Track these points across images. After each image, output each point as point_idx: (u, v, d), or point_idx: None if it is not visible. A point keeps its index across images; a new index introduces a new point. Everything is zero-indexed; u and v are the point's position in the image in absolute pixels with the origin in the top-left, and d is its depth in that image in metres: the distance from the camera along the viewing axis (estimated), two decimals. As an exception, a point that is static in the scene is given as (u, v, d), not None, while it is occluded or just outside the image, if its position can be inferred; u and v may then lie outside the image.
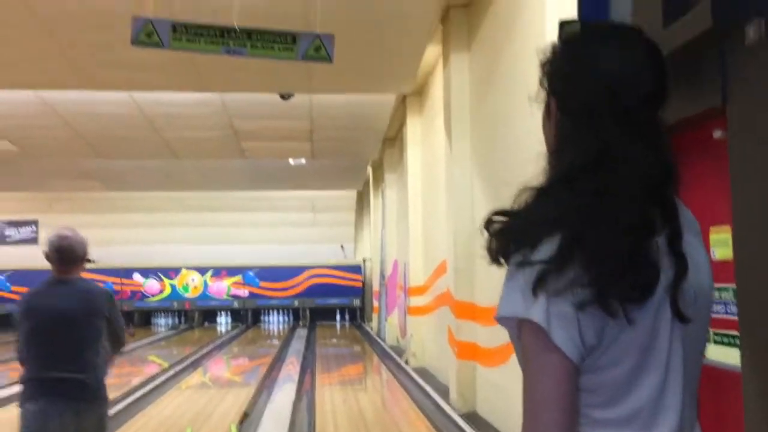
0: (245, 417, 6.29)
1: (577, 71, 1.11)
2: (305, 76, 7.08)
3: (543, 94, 1.16)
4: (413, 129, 9.87)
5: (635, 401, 1.02)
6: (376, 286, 16.67)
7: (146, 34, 3.27)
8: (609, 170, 1.03)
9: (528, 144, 4.73)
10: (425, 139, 9.50)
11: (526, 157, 4.35)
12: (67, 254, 3.15)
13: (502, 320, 1.07)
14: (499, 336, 5.58)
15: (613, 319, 0.99)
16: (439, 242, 8.20)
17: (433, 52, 7.66)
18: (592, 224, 1.01)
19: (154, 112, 9.60)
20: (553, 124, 1.15)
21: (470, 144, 6.56)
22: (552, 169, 1.10)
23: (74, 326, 3.08)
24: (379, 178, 14.94)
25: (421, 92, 9.49)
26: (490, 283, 6.01)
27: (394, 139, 12.31)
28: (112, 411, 7.08)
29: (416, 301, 10.11)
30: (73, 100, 9.03)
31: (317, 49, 3.30)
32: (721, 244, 2.01)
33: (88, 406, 3.07)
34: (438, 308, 8.58)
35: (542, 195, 1.08)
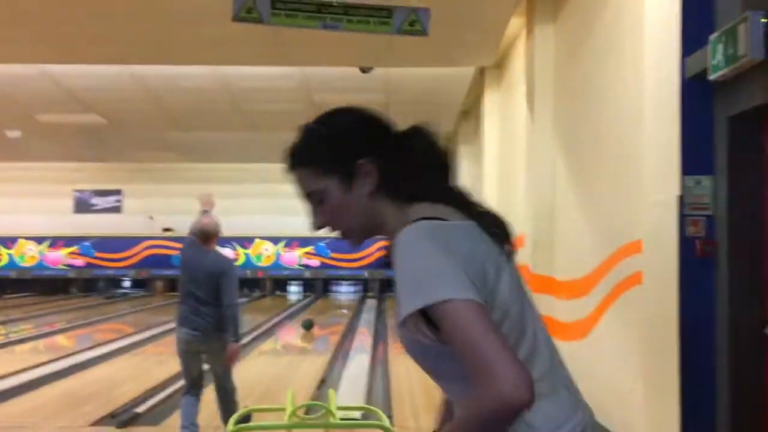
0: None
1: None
2: (387, 49, 7.13)
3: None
4: (491, 102, 9.81)
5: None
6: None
7: (246, 10, 3.39)
8: None
9: (613, 115, 4.68)
10: (503, 112, 9.43)
11: (612, 128, 4.35)
12: (204, 234, 4.52)
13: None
14: (577, 310, 5.58)
15: None
16: (516, 215, 8.18)
17: (514, 24, 7.58)
18: None
19: (236, 86, 9.83)
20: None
21: (553, 116, 6.51)
22: None
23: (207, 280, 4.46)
24: (452, 151, 14.91)
25: (499, 65, 9.42)
26: (569, 257, 5.99)
27: (469, 112, 12.25)
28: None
29: (490, 274, 10.12)
30: (160, 75, 9.33)
31: (412, 23, 3.35)
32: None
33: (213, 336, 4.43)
34: (513, 282, 8.59)
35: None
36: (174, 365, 7.77)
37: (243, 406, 5.94)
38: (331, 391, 3.45)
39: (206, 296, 4.44)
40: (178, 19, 6.66)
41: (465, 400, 1.24)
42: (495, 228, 1.30)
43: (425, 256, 1.19)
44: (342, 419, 3.08)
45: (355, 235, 1.36)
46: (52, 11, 6.51)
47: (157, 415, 5.53)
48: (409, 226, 1.23)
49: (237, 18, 3.42)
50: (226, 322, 4.43)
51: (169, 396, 6.15)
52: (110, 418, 5.29)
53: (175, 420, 5.44)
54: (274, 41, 7.06)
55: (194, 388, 4.67)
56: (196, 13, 6.46)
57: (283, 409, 3.04)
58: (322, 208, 1.34)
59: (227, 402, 4.74)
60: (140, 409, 5.62)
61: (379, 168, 1.31)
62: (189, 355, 4.56)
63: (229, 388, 4.73)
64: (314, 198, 1.34)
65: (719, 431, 3.04)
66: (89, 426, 5.12)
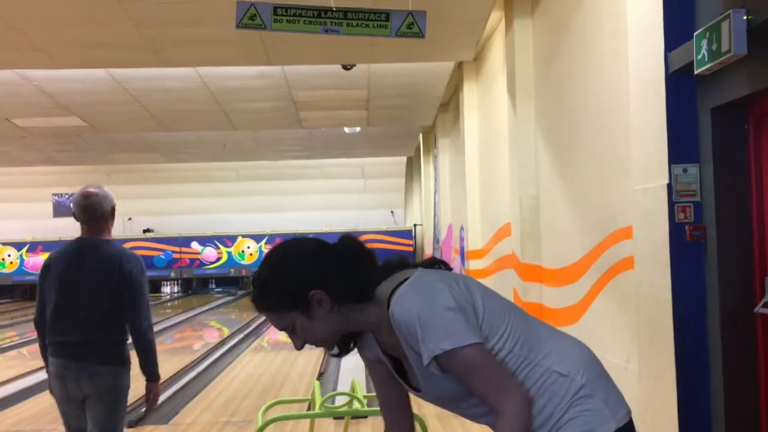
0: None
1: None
2: (369, 46, 7.25)
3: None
4: (470, 94, 9.98)
5: None
6: (428, 251, 16.90)
7: (249, 18, 3.50)
8: None
9: (596, 106, 4.86)
10: (482, 105, 9.60)
11: (593, 120, 4.57)
12: (90, 212, 3.10)
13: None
14: (566, 297, 5.78)
15: None
16: (499, 206, 8.36)
17: (491, 18, 7.74)
18: None
19: (218, 86, 9.88)
20: None
21: (535, 108, 6.69)
22: None
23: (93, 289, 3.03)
24: (430, 144, 15.07)
25: (477, 58, 9.58)
26: (557, 245, 6.18)
27: (447, 105, 12.41)
28: (193, 372, 7.52)
29: (475, 264, 10.31)
30: (142, 77, 9.35)
31: (410, 25, 3.49)
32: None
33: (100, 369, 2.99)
34: (499, 271, 8.78)
35: None
36: (171, 365, 7.88)
37: (248, 402, 6.08)
38: (355, 380, 3.58)
39: (98, 311, 3.04)
40: (160, 21, 6.71)
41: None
42: (438, 264, 1.61)
43: (431, 312, 1.44)
44: (370, 408, 3.20)
45: (330, 343, 1.59)
46: (35, 15, 6.53)
47: (164, 414, 5.63)
48: (395, 301, 1.47)
49: (240, 25, 3.52)
50: (122, 350, 3.06)
51: (174, 395, 6.26)
52: (117, 419, 5.38)
53: (182, 417, 5.56)
54: (257, 42, 7.14)
55: None
56: (181, 16, 6.52)
57: (307, 401, 3.17)
58: (296, 335, 1.56)
59: None
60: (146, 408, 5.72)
61: (327, 291, 1.51)
62: (67, 402, 3.08)
63: None
64: (287, 329, 1.56)
65: (714, 406, 3.24)
66: (98, 427, 5.20)
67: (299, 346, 1.57)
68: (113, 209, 3.21)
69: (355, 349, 1.66)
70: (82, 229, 3.16)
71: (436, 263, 1.62)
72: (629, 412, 1.55)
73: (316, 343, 1.57)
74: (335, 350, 1.63)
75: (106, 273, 3.03)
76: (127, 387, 3.11)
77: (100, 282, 3.03)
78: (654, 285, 3.50)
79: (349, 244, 1.58)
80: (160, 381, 3.21)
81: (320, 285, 1.51)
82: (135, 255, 3.17)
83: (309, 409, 4.28)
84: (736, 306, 3.15)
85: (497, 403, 1.42)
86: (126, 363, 3.08)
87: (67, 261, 3.10)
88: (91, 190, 3.19)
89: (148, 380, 3.16)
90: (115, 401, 3.04)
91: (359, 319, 1.54)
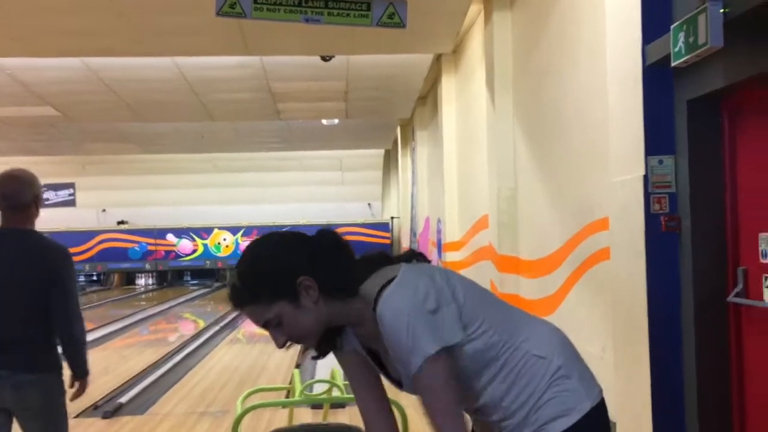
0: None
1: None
2: (348, 37, 7.24)
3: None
4: (448, 87, 10.00)
5: None
6: (405, 244, 16.94)
7: (230, 6, 3.48)
8: None
9: (574, 99, 4.91)
10: (460, 97, 9.64)
11: (571, 112, 4.62)
12: (11, 199, 2.72)
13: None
14: (542, 288, 5.83)
15: None
16: (477, 198, 8.41)
17: (470, 10, 7.76)
18: None
19: (195, 76, 9.80)
20: None
21: (513, 101, 6.73)
22: None
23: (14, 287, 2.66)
24: (408, 137, 15.08)
25: (455, 50, 9.61)
26: (534, 237, 6.24)
27: (425, 98, 12.43)
28: (169, 364, 7.48)
29: (452, 256, 10.36)
30: (117, 66, 9.24)
31: (391, 15, 3.49)
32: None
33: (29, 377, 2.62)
34: (476, 263, 8.83)
35: None
36: (146, 356, 7.84)
37: (225, 393, 6.07)
38: (334, 369, 3.60)
39: (19, 310, 2.67)
40: (138, 10, 6.65)
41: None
42: (418, 257, 1.64)
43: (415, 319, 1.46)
44: (349, 395, 3.22)
45: (314, 338, 1.57)
46: (10, 3, 6.44)
47: (140, 404, 5.61)
48: (383, 304, 1.49)
49: (220, 13, 3.50)
50: (51, 353, 2.72)
51: (149, 386, 6.22)
52: (93, 409, 5.34)
53: (159, 408, 5.54)
54: (236, 32, 7.10)
55: None
56: (158, 4, 6.46)
57: (286, 389, 3.18)
58: (281, 330, 1.53)
59: None
60: (123, 399, 5.69)
61: (315, 277, 1.52)
62: None
63: None
64: (271, 323, 1.53)
65: (687, 394, 3.30)
66: (74, 418, 5.17)
67: (281, 344, 1.55)
68: (37, 197, 2.80)
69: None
70: (2, 217, 2.76)
71: (414, 256, 1.64)
72: (601, 390, 1.61)
73: (300, 339, 1.56)
74: (314, 352, 1.63)
75: (28, 267, 2.66)
76: (63, 395, 2.74)
77: (22, 277, 2.65)
78: (629, 275, 3.55)
79: (326, 236, 1.60)
80: (90, 375, 2.86)
81: (307, 272, 1.52)
82: (61, 246, 2.79)
83: (288, 397, 4.29)
84: (709, 295, 3.21)
85: (437, 427, 1.47)
86: (57, 369, 2.71)
87: None
88: (13, 173, 2.80)
89: (74, 375, 2.83)
90: (50, 417, 2.66)
91: (343, 311, 1.55)
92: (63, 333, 2.72)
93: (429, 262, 1.66)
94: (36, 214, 2.78)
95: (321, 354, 1.64)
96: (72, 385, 2.83)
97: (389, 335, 1.48)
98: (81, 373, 2.81)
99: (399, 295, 1.48)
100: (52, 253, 2.72)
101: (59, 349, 2.76)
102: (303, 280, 1.51)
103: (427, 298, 1.47)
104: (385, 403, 1.67)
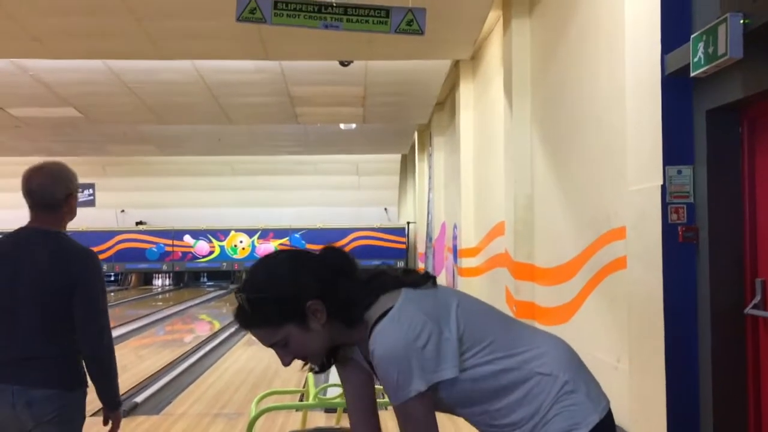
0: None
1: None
2: (366, 43, 7.27)
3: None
4: (466, 93, 10.01)
5: None
6: (420, 249, 16.95)
7: (250, 11, 3.51)
8: None
9: (592, 107, 4.90)
10: (478, 104, 9.64)
11: (589, 120, 4.61)
12: (37, 195, 2.39)
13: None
14: (558, 296, 5.82)
15: None
16: (493, 205, 8.39)
17: (489, 17, 7.76)
18: None
19: (214, 79, 9.87)
20: None
21: (531, 108, 6.72)
22: None
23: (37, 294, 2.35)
24: (425, 142, 15.09)
25: (474, 57, 9.61)
26: (550, 244, 6.22)
27: (443, 104, 12.45)
28: (184, 365, 7.53)
29: (468, 262, 10.35)
30: (138, 69, 9.34)
31: (409, 22, 3.51)
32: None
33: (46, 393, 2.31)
34: (491, 269, 8.82)
35: None
36: (162, 356, 7.89)
37: (240, 394, 6.10)
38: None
39: (39, 320, 2.36)
40: (159, 13, 6.71)
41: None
42: (425, 279, 1.59)
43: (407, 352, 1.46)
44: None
45: (319, 359, 1.58)
46: (33, 4, 6.53)
47: (155, 404, 5.65)
48: (375, 338, 1.48)
49: (240, 18, 3.54)
50: (72, 369, 2.37)
51: (165, 386, 6.27)
52: (109, 408, 5.39)
53: (173, 408, 5.58)
54: (255, 36, 7.15)
55: None
56: (178, 9, 6.52)
57: (300, 392, 3.20)
58: (288, 350, 1.54)
59: None
60: (138, 398, 5.74)
61: (323, 301, 1.51)
62: None
63: None
64: (279, 345, 1.53)
65: (703, 405, 3.28)
66: (90, 416, 5.22)
67: (287, 362, 1.55)
68: (70, 195, 2.44)
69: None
70: (30, 216, 2.43)
71: (427, 279, 1.61)
72: (608, 402, 1.60)
73: (306, 358, 1.57)
74: (317, 367, 1.64)
75: (47, 273, 2.34)
76: (82, 417, 2.42)
77: (40, 285, 2.34)
78: (646, 285, 3.53)
79: (333, 254, 1.59)
80: (120, 405, 2.54)
81: (316, 295, 1.52)
82: (88, 251, 2.45)
83: (302, 400, 4.31)
84: (726, 307, 3.19)
85: None
86: (78, 386, 2.38)
87: (1, 257, 2.41)
88: (43, 166, 2.43)
89: (106, 407, 2.48)
90: None
91: (347, 333, 1.56)
92: (84, 349, 2.38)
93: (435, 281, 1.63)
94: (69, 214, 2.45)
95: (322, 369, 1.65)
96: (106, 422, 2.50)
97: (379, 369, 1.49)
98: (108, 403, 2.46)
99: (391, 331, 1.47)
100: (74, 257, 2.38)
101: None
102: (312, 305, 1.51)
103: (420, 335, 1.46)
104: (375, 419, 1.69)
